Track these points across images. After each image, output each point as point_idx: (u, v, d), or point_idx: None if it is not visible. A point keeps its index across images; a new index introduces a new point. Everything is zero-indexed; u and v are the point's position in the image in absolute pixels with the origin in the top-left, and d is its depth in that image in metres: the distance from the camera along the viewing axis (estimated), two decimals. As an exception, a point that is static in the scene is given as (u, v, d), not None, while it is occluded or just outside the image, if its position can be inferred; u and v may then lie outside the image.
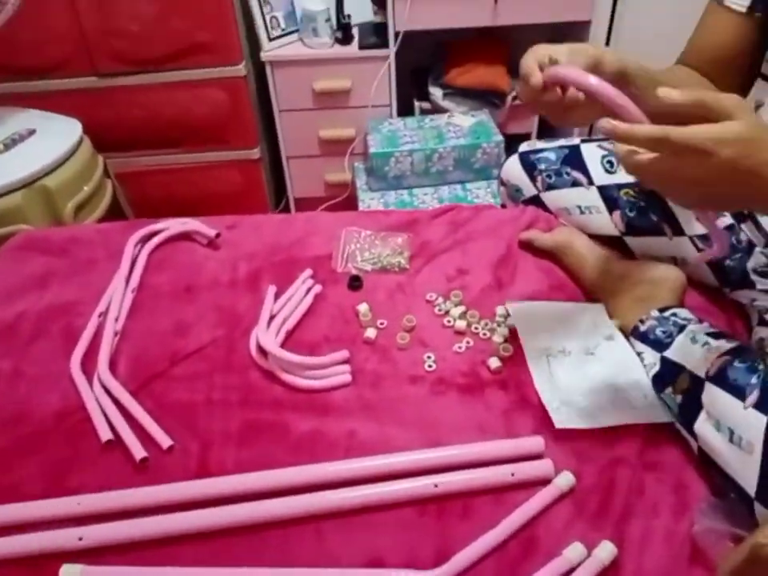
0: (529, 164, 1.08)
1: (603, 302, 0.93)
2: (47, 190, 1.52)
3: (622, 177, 0.99)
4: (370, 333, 0.90)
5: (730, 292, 0.94)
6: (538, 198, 1.08)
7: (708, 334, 0.77)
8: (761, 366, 0.67)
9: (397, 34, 1.87)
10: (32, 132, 1.63)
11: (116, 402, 0.82)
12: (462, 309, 0.94)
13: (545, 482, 0.71)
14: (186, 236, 1.12)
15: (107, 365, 0.86)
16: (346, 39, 1.95)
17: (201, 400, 0.83)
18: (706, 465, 0.70)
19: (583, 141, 1.05)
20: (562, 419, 0.77)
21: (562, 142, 1.08)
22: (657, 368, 0.79)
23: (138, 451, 0.75)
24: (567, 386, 0.81)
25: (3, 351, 0.91)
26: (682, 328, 0.80)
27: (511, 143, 1.60)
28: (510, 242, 1.06)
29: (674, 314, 0.83)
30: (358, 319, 0.94)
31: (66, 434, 0.79)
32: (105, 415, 0.80)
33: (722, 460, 0.66)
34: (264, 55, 1.92)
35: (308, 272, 1.01)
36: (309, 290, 0.98)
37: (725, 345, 0.73)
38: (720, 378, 0.69)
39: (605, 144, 1.02)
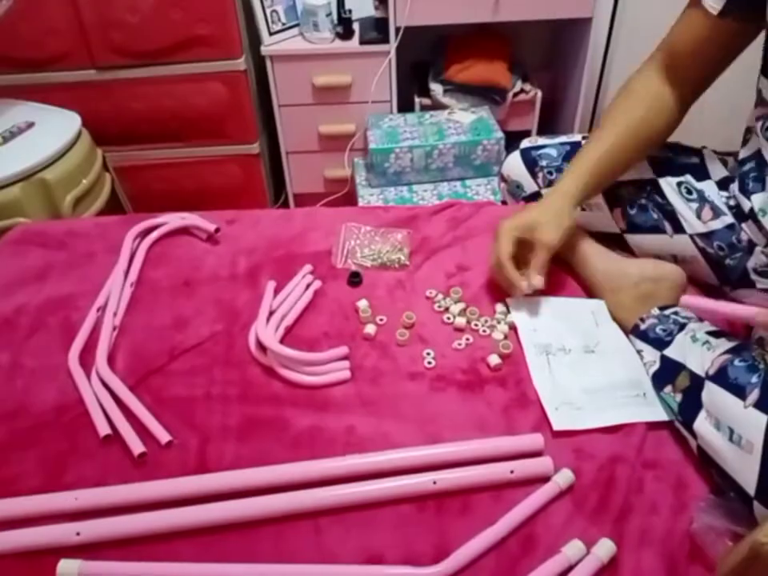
0: (530, 160, 1.08)
1: (604, 300, 0.93)
2: (46, 183, 1.51)
3: (624, 174, 0.99)
4: (370, 329, 0.90)
5: (730, 291, 0.94)
6: (539, 195, 1.08)
7: (708, 333, 0.77)
8: (761, 366, 0.67)
9: (398, 30, 1.86)
10: (31, 125, 1.62)
11: (114, 397, 0.81)
12: (461, 305, 0.94)
13: (544, 479, 0.71)
14: (184, 230, 1.12)
15: (106, 359, 0.86)
16: (346, 34, 1.94)
17: (200, 395, 0.83)
18: (706, 463, 0.70)
19: (584, 137, 1.05)
20: (561, 421, 0.77)
21: (563, 138, 1.08)
22: (657, 366, 0.79)
23: (137, 446, 0.74)
24: (567, 384, 0.81)
25: (1, 344, 0.91)
26: (682, 326, 0.80)
27: (511, 140, 1.60)
28: (510, 239, 1.06)
29: (675, 313, 0.83)
30: (357, 315, 0.93)
31: (64, 428, 0.79)
32: (103, 410, 0.80)
33: (721, 459, 0.66)
34: (264, 49, 1.91)
35: (307, 267, 1.01)
36: (308, 285, 0.98)
37: (725, 344, 0.73)
38: (720, 377, 0.69)
39: None
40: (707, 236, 0.93)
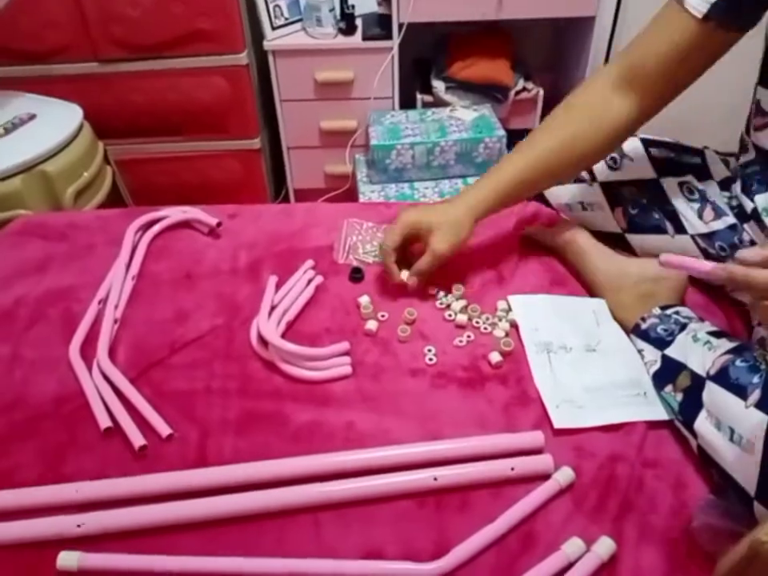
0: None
1: (605, 299, 0.93)
2: (47, 176, 1.51)
3: (625, 173, 0.99)
4: (371, 325, 0.90)
5: (731, 291, 0.94)
6: (540, 194, 1.08)
7: (709, 333, 0.77)
8: (762, 366, 0.67)
9: (400, 26, 1.86)
10: (32, 117, 1.62)
11: (115, 390, 0.81)
12: (463, 303, 0.94)
13: (544, 476, 0.71)
14: (186, 224, 1.12)
15: (107, 352, 0.86)
16: (349, 30, 1.94)
17: (200, 389, 0.83)
18: (706, 463, 0.70)
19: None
20: (561, 419, 0.77)
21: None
22: (657, 366, 0.79)
23: (137, 439, 0.74)
24: (568, 383, 0.81)
25: (1, 336, 0.90)
26: (683, 326, 0.80)
27: (513, 138, 1.60)
28: (511, 237, 1.06)
29: (676, 312, 0.83)
30: (359, 311, 0.93)
31: (64, 420, 0.79)
32: (104, 402, 0.79)
33: (721, 459, 0.66)
34: (267, 44, 1.90)
35: (309, 263, 1.01)
36: (310, 280, 0.98)
37: (726, 344, 0.73)
38: (721, 377, 0.69)
39: None
40: (709, 236, 0.93)
